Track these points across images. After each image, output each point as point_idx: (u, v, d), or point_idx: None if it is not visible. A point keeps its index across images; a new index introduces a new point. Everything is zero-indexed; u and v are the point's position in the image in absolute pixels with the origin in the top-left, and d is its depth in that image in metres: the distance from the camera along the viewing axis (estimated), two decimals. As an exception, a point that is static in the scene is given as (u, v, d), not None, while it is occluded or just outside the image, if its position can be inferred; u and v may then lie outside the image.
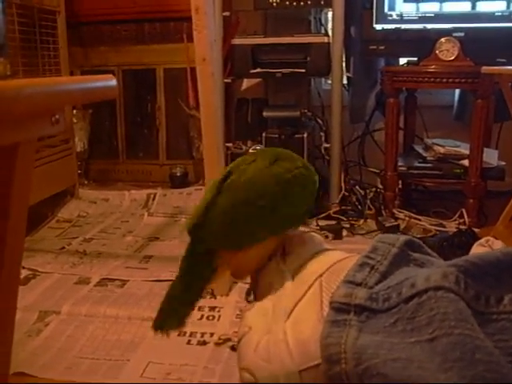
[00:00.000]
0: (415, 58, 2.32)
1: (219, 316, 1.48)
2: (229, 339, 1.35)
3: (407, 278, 0.44)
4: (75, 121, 2.66)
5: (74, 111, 2.69)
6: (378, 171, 2.56)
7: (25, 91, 0.46)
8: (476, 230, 2.00)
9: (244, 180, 0.63)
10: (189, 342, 1.37)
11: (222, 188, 0.65)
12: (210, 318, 1.48)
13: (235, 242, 0.63)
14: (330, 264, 0.53)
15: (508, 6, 2.15)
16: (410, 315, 0.42)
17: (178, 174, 2.78)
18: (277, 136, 2.27)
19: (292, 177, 0.62)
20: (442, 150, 2.24)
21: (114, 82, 0.61)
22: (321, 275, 0.52)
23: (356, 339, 0.42)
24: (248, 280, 0.64)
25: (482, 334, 0.39)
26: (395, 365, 0.39)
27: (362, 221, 2.23)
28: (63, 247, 2.04)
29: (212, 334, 1.39)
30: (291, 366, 0.47)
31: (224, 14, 2.43)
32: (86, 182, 2.84)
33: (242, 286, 1.61)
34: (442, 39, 2.17)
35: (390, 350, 0.40)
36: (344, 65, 2.50)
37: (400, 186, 2.39)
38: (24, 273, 1.77)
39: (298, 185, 0.62)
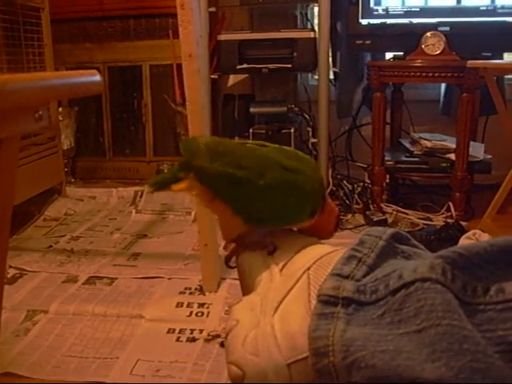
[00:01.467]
0: (401, 53, 2.33)
1: (208, 312, 1.48)
2: (218, 335, 1.35)
3: (394, 270, 0.45)
4: (61, 118, 2.64)
5: (60, 109, 2.67)
6: (365, 166, 2.57)
7: (7, 87, 0.45)
8: (463, 223, 2.02)
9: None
10: (178, 339, 1.36)
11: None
12: (199, 314, 1.47)
13: (201, 175, 0.61)
14: (318, 257, 0.53)
15: (492, 1, 2.16)
16: (398, 307, 0.42)
17: (166, 171, 2.77)
18: (264, 132, 2.26)
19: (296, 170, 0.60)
20: (428, 144, 2.24)
21: (97, 77, 0.60)
22: (308, 268, 0.52)
23: (344, 332, 0.42)
24: (236, 276, 0.64)
25: (469, 325, 0.39)
26: (383, 356, 0.39)
27: (349, 215, 2.24)
28: (50, 246, 2.02)
29: (201, 331, 1.39)
30: (279, 360, 0.46)
31: (210, 9, 2.42)
32: (72, 180, 2.82)
33: (231, 282, 1.62)
34: (428, 33, 2.18)
35: (378, 341, 0.40)
36: (330, 60, 2.50)
37: (387, 181, 2.40)
38: (11, 272, 1.76)
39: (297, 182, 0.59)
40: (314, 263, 0.52)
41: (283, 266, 0.55)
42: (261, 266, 0.57)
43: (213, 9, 2.44)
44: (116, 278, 1.71)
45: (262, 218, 0.60)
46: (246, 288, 0.58)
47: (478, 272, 0.42)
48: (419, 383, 0.37)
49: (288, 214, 0.59)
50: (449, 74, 2.11)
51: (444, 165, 2.20)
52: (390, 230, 0.50)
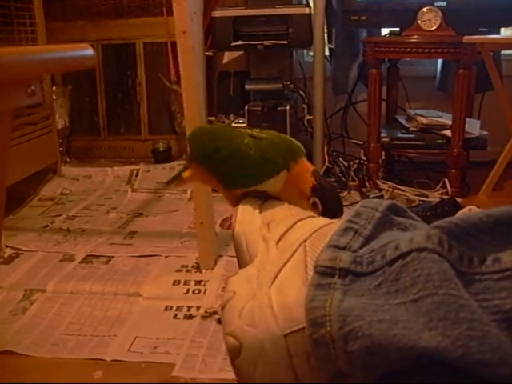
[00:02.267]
0: (397, 29, 2.31)
1: (205, 290, 1.48)
2: (215, 312, 1.36)
3: (391, 241, 0.44)
4: (55, 97, 2.62)
5: (54, 87, 2.65)
6: (361, 143, 2.56)
7: (-2, 59, 0.44)
8: (459, 199, 2.02)
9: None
10: (175, 316, 1.37)
11: None
12: (196, 291, 1.48)
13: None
14: (314, 229, 0.53)
15: (490, -25, 2.14)
16: (395, 277, 0.42)
17: (161, 150, 2.76)
18: (259, 109, 2.25)
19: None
20: (424, 120, 2.24)
21: (90, 51, 0.60)
22: (305, 240, 0.52)
23: (341, 302, 0.42)
24: (233, 253, 0.64)
25: (466, 294, 0.39)
26: (380, 326, 0.39)
27: (345, 192, 2.24)
28: (47, 225, 2.02)
29: (198, 308, 1.39)
30: (276, 331, 0.47)
31: (204, -15, 2.39)
32: (67, 160, 2.81)
33: (228, 259, 1.62)
34: (424, 9, 2.16)
35: (374, 311, 0.40)
36: (326, 36, 2.48)
37: (383, 157, 2.40)
38: (8, 252, 1.76)
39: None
40: (310, 235, 0.52)
41: (280, 239, 0.55)
42: (257, 239, 0.57)
43: (207, -15, 2.41)
44: (112, 257, 1.71)
45: (231, 180, 0.69)
46: (243, 261, 0.58)
47: (475, 242, 0.42)
48: (416, 352, 0.38)
49: (251, 175, 0.67)
50: (445, 50, 2.09)
51: (440, 141, 2.20)
52: (386, 202, 0.50)
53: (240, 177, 0.67)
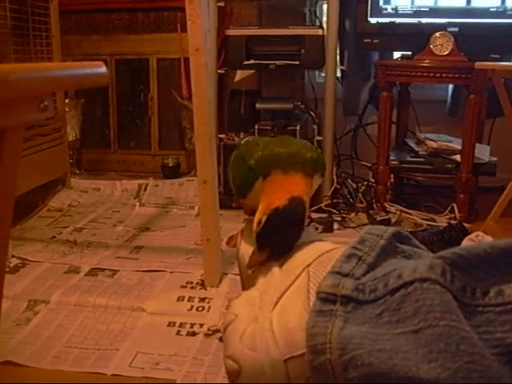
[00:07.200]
0: (409, 52, 2.32)
1: (209, 307, 1.48)
2: (218, 330, 1.35)
3: (394, 270, 0.44)
4: (67, 110, 2.64)
5: (67, 100, 2.68)
6: (370, 165, 2.57)
7: (11, 76, 0.45)
8: (466, 224, 2.01)
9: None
10: (178, 333, 1.36)
11: None
12: (200, 308, 1.47)
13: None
14: (318, 254, 0.53)
15: (503, 2, 2.15)
16: (396, 306, 0.42)
17: (170, 165, 2.77)
18: (269, 128, 2.26)
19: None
20: (434, 144, 2.24)
21: (103, 68, 0.60)
22: (308, 265, 0.52)
23: (342, 329, 0.42)
24: (238, 271, 0.64)
25: (467, 326, 0.39)
26: (380, 355, 0.39)
27: (353, 214, 2.23)
28: (54, 236, 2.03)
29: (201, 325, 1.39)
30: (276, 355, 0.46)
31: (219, 4, 2.41)
32: (77, 172, 2.82)
33: (233, 277, 1.62)
34: (437, 34, 2.17)
35: (375, 340, 0.40)
36: (338, 58, 2.49)
37: (392, 180, 2.40)
38: (14, 261, 1.76)
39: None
40: (314, 260, 0.52)
41: (283, 262, 0.55)
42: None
43: (222, 3, 2.44)
44: (118, 271, 1.71)
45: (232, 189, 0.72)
46: (246, 281, 0.58)
47: (478, 273, 0.42)
48: (414, 383, 0.37)
49: (237, 183, 0.69)
50: (456, 75, 2.10)
51: (449, 166, 2.19)
52: (391, 229, 0.50)
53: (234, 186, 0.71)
